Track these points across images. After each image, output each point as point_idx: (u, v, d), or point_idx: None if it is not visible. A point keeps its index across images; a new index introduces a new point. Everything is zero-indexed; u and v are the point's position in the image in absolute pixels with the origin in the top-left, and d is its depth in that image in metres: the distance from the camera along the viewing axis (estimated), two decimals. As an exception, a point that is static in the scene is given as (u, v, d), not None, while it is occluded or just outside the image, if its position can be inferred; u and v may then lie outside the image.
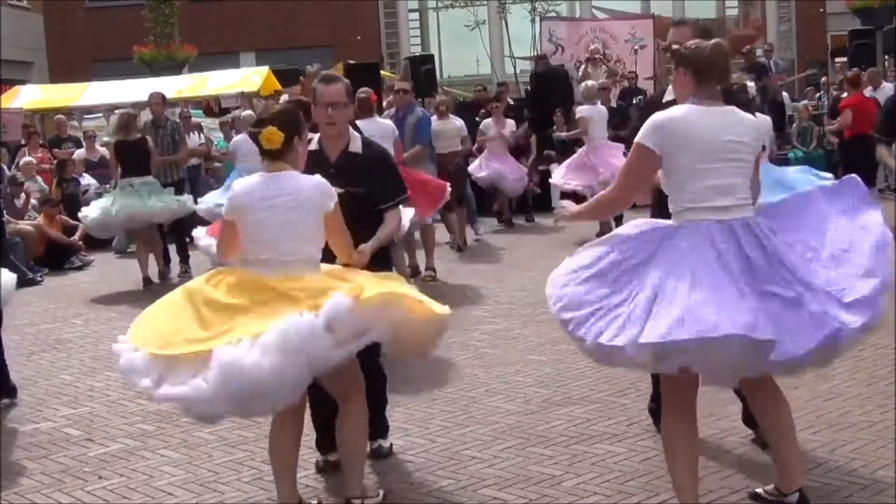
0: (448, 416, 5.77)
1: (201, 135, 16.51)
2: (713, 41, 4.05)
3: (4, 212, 11.94)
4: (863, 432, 5.11)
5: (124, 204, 10.87)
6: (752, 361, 3.67)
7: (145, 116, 12.62)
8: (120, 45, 25.25)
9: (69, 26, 30.31)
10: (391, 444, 5.23)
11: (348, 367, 4.18)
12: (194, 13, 27.22)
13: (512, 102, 15.89)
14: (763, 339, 3.56)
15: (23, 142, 16.20)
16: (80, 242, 13.31)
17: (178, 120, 13.46)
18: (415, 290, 4.32)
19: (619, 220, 12.25)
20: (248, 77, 19.48)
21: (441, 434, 5.48)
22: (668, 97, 4.92)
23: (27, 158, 14.98)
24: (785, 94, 18.63)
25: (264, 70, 19.53)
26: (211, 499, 4.78)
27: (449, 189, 9.99)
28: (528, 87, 18.34)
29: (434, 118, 11.87)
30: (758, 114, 4.55)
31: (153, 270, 11.16)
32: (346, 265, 4.37)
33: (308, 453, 4.88)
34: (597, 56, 19.08)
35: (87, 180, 15.21)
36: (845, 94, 15.20)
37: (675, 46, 4.19)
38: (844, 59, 20.60)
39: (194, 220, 11.13)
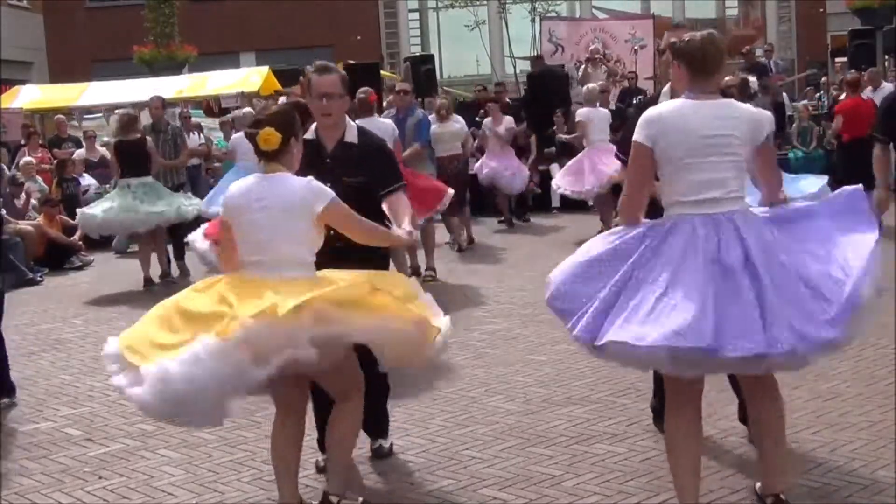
0: (448, 416, 5.77)
1: (201, 135, 16.52)
2: (704, 32, 4.07)
3: (4, 211, 12.01)
4: (863, 432, 5.11)
5: (122, 208, 10.84)
6: (696, 364, 3.66)
7: (145, 119, 12.61)
8: (120, 45, 25.26)
9: (69, 26, 30.31)
10: (391, 444, 5.23)
11: (347, 367, 4.19)
12: (194, 13, 27.23)
13: (510, 102, 15.90)
14: (688, 348, 3.56)
15: (22, 142, 16.21)
16: (80, 242, 13.31)
17: (178, 124, 13.45)
18: (417, 293, 4.27)
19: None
20: (248, 77, 19.49)
21: (441, 434, 5.48)
22: (663, 99, 4.93)
23: (27, 158, 14.98)
24: (784, 94, 18.63)
25: (264, 70, 19.54)
26: (211, 499, 4.78)
27: (450, 192, 9.99)
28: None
29: (434, 121, 11.87)
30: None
31: (154, 271, 11.15)
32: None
33: (309, 453, 4.88)
34: (597, 56, 19.09)
35: (87, 180, 15.22)
36: (843, 96, 15.20)
37: (672, 40, 4.20)
38: (844, 59, 20.60)
39: (198, 221, 11.13)
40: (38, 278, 11.92)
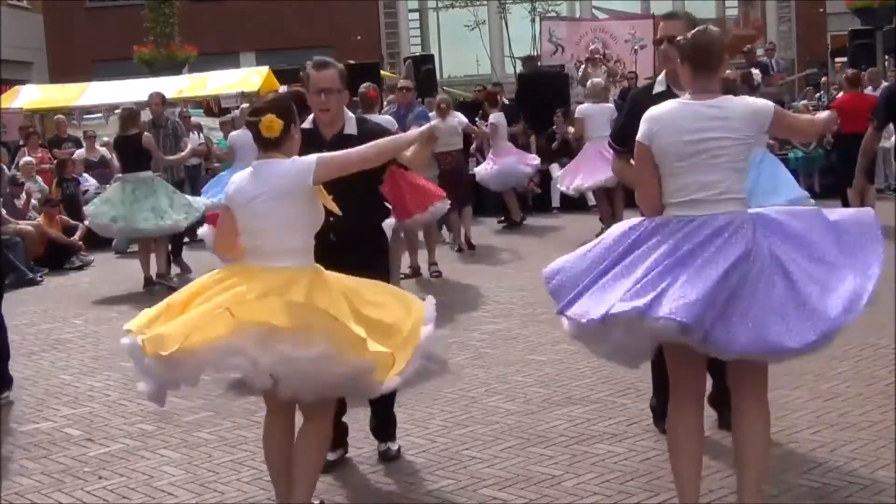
0: (448, 416, 5.77)
1: (201, 135, 16.51)
2: (699, 27, 4.07)
3: (4, 211, 12.01)
4: (863, 432, 5.11)
5: (124, 216, 10.82)
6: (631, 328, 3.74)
7: (145, 116, 12.60)
8: (120, 45, 25.26)
9: (69, 26, 30.33)
10: (399, 447, 5.20)
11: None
12: (194, 13, 27.24)
13: (507, 102, 15.92)
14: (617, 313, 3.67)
15: (21, 142, 16.20)
16: (80, 242, 13.32)
17: (177, 119, 13.44)
18: (418, 318, 4.16)
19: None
20: (248, 77, 19.49)
21: (441, 434, 5.48)
22: (658, 88, 4.94)
23: (27, 158, 14.98)
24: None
25: (264, 70, 19.53)
26: (211, 499, 4.78)
27: (447, 203, 10.00)
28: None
29: (434, 117, 11.87)
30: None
31: (155, 271, 11.14)
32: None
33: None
34: (597, 56, 19.08)
35: (87, 180, 15.22)
36: (841, 93, 15.20)
37: (678, 38, 4.19)
38: (844, 59, 20.59)
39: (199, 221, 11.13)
40: (38, 278, 11.92)
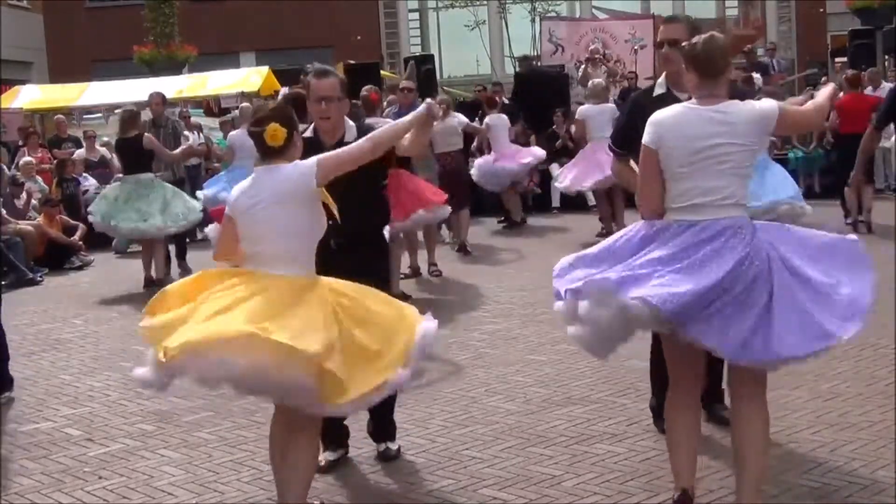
0: (448, 416, 5.77)
1: (201, 134, 16.51)
2: (706, 34, 4.08)
3: (4, 211, 12.02)
4: (863, 432, 5.11)
5: (112, 215, 10.83)
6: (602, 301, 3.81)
7: (145, 116, 12.61)
8: (120, 45, 25.27)
9: (69, 26, 30.33)
10: (399, 448, 5.21)
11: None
12: (194, 13, 27.25)
13: (506, 102, 15.92)
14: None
15: (20, 142, 16.20)
16: (80, 242, 13.32)
17: (177, 118, 13.44)
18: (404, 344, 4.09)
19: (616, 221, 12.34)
20: (248, 77, 19.50)
21: (441, 434, 5.48)
22: (658, 91, 4.94)
23: (27, 158, 14.98)
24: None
25: (264, 70, 19.54)
26: (211, 499, 4.78)
27: (448, 209, 10.00)
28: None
29: (434, 117, 11.86)
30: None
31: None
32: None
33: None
34: (597, 56, 19.09)
35: (87, 180, 15.22)
36: (841, 94, 15.20)
37: (683, 44, 4.19)
38: (844, 59, 20.59)
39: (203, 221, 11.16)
40: (38, 278, 11.92)
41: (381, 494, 4.78)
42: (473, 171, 13.62)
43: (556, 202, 15.66)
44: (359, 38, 29.22)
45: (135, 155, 10.81)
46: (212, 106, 19.82)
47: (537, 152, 14.23)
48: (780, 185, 9.76)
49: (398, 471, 5.00)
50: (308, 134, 4.85)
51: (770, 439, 4.12)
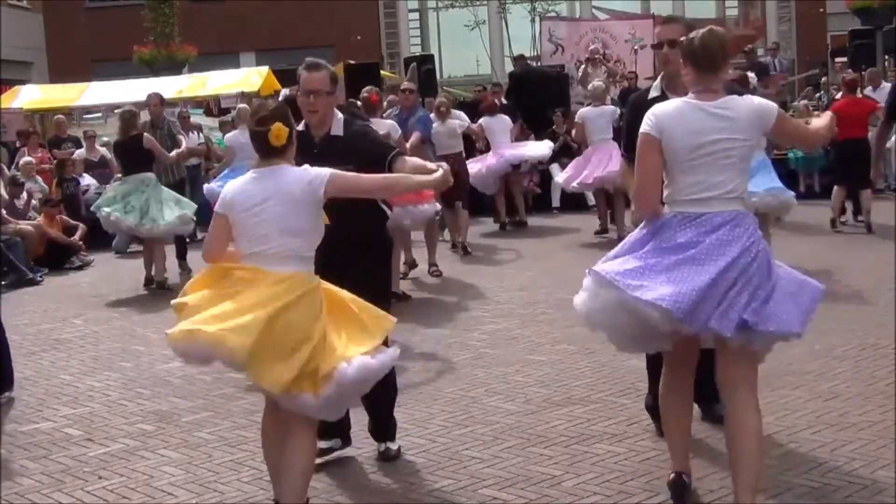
0: (448, 416, 5.77)
1: (201, 135, 16.51)
2: (704, 28, 4.09)
3: (4, 211, 12.01)
4: (863, 432, 5.11)
5: (132, 213, 10.81)
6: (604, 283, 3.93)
7: (145, 117, 12.60)
8: (120, 45, 25.28)
9: (69, 26, 30.34)
10: (399, 447, 5.20)
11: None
12: (194, 13, 27.25)
13: (505, 102, 15.91)
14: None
15: (18, 143, 16.20)
16: (80, 242, 13.32)
17: (174, 119, 13.43)
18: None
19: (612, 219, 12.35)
20: (248, 77, 19.50)
21: (441, 434, 5.48)
22: (653, 94, 4.95)
23: (27, 158, 14.97)
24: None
25: (264, 70, 19.55)
26: (211, 499, 4.78)
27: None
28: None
29: (434, 119, 11.86)
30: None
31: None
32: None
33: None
34: (597, 56, 19.06)
35: (87, 180, 15.22)
36: (839, 96, 15.21)
37: (681, 39, 4.21)
38: (844, 59, 20.60)
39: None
40: (38, 278, 11.91)
41: (381, 494, 4.77)
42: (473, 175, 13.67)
43: (556, 202, 15.65)
44: (359, 38, 29.23)
45: (135, 155, 10.77)
46: (212, 106, 19.82)
47: (541, 146, 14.21)
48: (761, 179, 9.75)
49: (398, 471, 5.00)
50: (301, 128, 4.86)
51: (762, 434, 4.09)
